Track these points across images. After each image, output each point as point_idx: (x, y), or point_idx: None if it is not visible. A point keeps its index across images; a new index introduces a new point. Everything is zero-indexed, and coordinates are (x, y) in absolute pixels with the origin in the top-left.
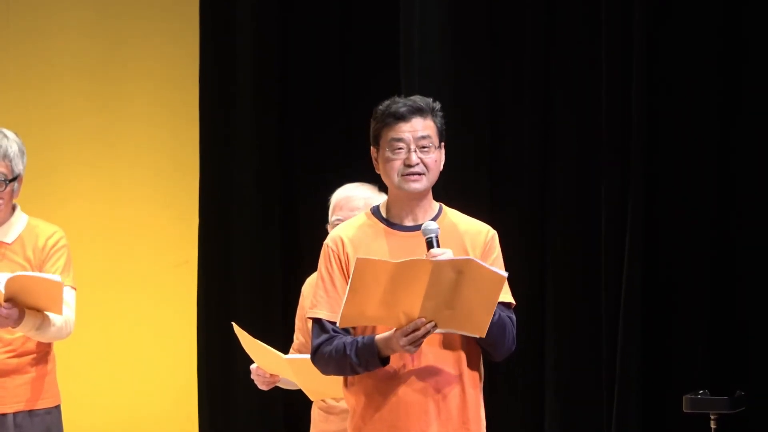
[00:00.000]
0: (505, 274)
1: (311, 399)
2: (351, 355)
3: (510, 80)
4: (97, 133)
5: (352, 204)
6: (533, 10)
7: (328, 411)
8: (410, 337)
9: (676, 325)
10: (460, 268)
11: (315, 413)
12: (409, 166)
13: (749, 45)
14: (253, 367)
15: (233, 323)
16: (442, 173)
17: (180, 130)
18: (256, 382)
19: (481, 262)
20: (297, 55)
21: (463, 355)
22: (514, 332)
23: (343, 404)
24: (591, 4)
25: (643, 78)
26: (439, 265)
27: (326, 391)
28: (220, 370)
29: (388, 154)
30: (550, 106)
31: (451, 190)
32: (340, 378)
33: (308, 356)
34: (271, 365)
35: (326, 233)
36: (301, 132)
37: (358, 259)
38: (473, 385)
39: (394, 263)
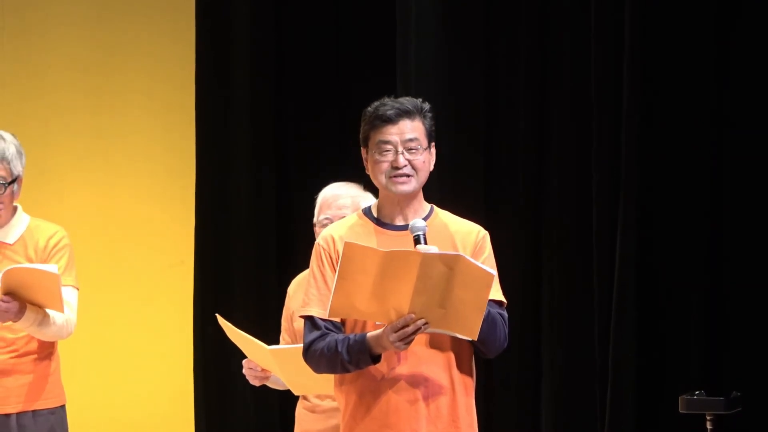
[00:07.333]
0: (494, 272)
1: (295, 394)
2: (342, 352)
3: (505, 80)
4: (92, 133)
5: (340, 202)
6: (528, 9)
7: (313, 410)
8: (400, 333)
9: (671, 326)
10: (449, 264)
11: (299, 412)
12: (397, 168)
13: (744, 44)
14: (245, 361)
15: (217, 315)
16: (435, 173)
17: (176, 130)
18: (247, 376)
19: (470, 259)
20: (293, 56)
21: (452, 357)
22: (506, 329)
23: (327, 403)
24: (583, 3)
25: (635, 75)
26: (428, 258)
27: (311, 386)
28: (216, 369)
29: (376, 156)
30: (544, 106)
31: (445, 190)
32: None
33: (292, 346)
34: (258, 357)
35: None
36: (297, 132)
37: (346, 243)
38: (464, 385)
39: (383, 252)
